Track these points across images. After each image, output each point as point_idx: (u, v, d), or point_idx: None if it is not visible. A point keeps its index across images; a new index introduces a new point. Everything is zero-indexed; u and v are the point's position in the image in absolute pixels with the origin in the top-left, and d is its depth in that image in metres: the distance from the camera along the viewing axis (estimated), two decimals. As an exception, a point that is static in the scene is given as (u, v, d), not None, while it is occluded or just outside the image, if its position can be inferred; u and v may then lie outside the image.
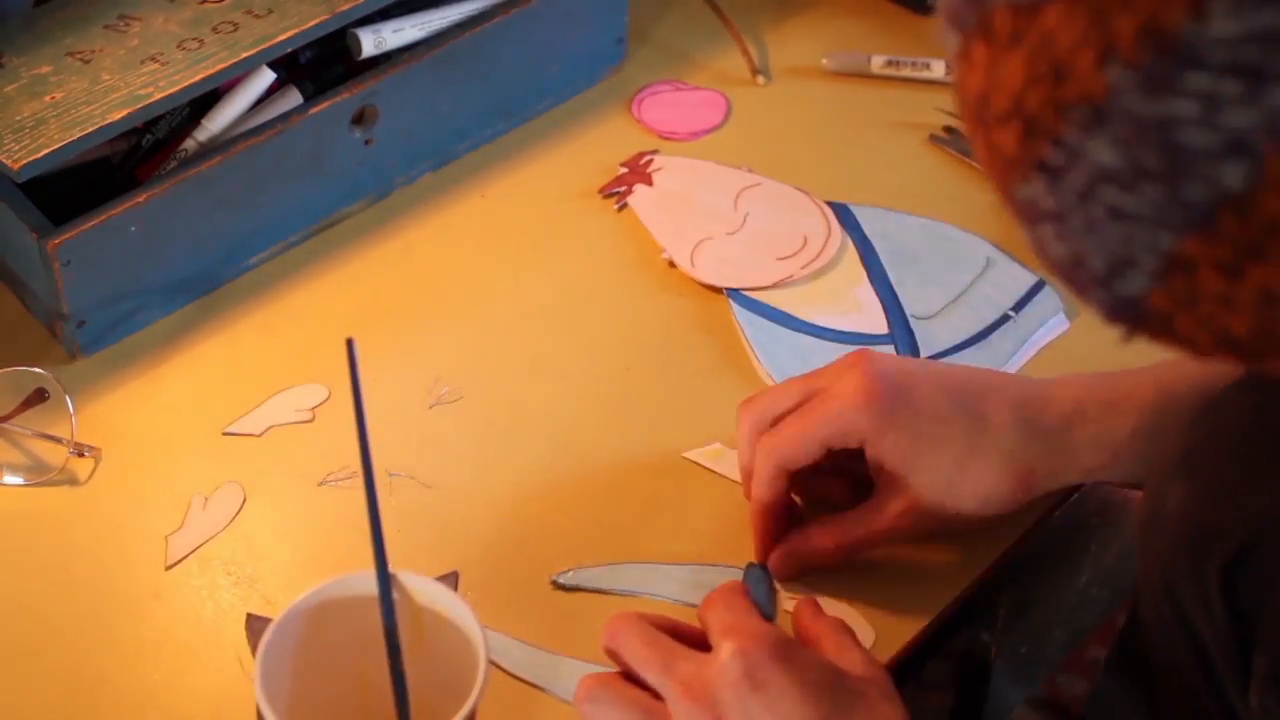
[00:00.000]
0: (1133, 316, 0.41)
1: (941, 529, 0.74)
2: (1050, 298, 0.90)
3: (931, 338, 0.88)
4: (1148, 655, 0.71)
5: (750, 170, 0.99)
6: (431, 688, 0.63)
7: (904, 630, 0.74)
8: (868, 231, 0.95)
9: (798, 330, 0.89)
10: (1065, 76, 0.36)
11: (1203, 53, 0.34)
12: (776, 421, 0.73)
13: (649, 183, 0.98)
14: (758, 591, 0.67)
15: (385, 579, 0.62)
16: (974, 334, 0.88)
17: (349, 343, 0.61)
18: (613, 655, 0.66)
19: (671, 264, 0.93)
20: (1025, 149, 0.38)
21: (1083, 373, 0.75)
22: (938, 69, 1.05)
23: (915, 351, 0.88)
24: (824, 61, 1.06)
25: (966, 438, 0.71)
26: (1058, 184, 0.38)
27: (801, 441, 0.72)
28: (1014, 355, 0.87)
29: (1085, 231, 0.39)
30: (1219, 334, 0.39)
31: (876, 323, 0.89)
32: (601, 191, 0.98)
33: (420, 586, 0.64)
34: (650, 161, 0.99)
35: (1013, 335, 0.88)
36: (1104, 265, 0.39)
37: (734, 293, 0.91)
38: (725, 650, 0.62)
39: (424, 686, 0.63)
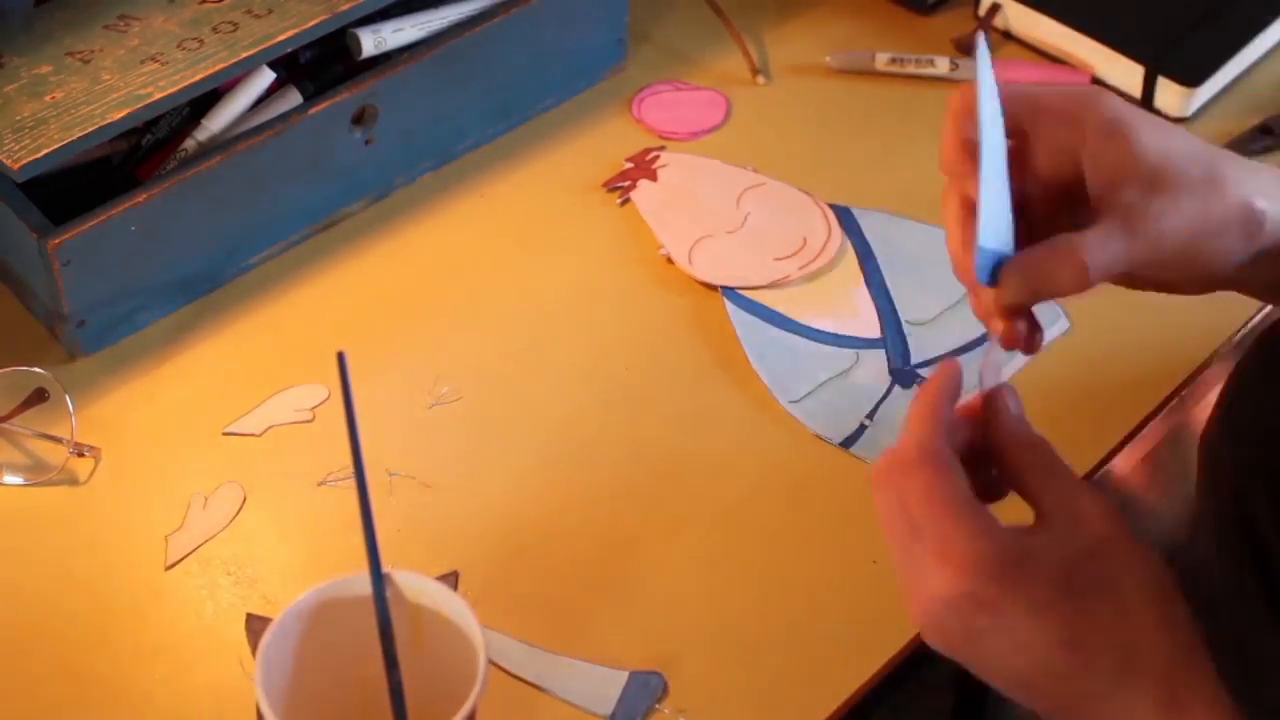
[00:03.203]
0: None
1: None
2: (1048, 308, 0.89)
3: (924, 344, 0.88)
4: (1197, 603, 0.67)
5: (755, 170, 0.99)
6: (431, 688, 0.63)
7: (904, 630, 0.74)
8: (868, 235, 0.95)
9: (789, 331, 0.89)
10: None
11: None
12: None
13: (653, 179, 0.98)
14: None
15: (380, 588, 0.62)
16: (967, 341, 0.88)
17: (340, 356, 0.61)
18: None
19: (669, 261, 0.93)
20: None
21: None
22: (942, 65, 1.05)
23: (906, 359, 0.88)
24: (828, 60, 1.06)
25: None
26: None
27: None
28: (1009, 363, 0.87)
29: None
30: None
31: (870, 327, 0.89)
32: (606, 185, 0.98)
33: (419, 586, 0.64)
34: (656, 158, 0.99)
35: None
36: None
37: (729, 291, 0.91)
38: (943, 583, 0.56)
39: (424, 687, 0.63)
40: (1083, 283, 0.61)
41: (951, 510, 0.58)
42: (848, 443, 0.83)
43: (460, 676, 0.62)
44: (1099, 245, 0.61)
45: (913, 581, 0.58)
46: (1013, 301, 0.62)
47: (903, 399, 0.85)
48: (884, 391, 0.86)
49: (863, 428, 0.84)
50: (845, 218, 0.96)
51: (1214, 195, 0.62)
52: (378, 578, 0.62)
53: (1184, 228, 0.62)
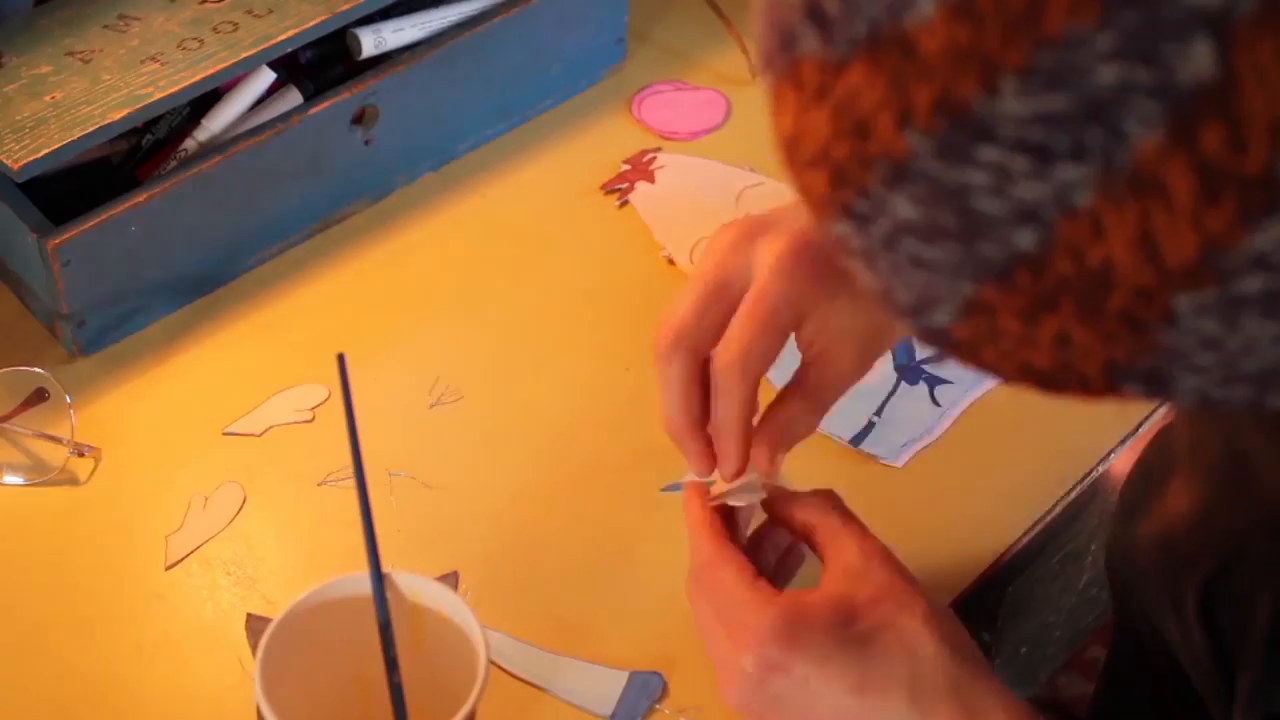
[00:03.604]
0: (940, 344, 0.42)
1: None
2: None
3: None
4: (1136, 676, 0.71)
5: (753, 170, 0.99)
6: (432, 688, 0.63)
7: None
8: None
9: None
10: (868, 134, 0.37)
11: (994, 128, 0.35)
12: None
13: (651, 180, 0.98)
14: None
15: (380, 588, 0.62)
16: None
17: (340, 358, 0.61)
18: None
19: (670, 261, 0.93)
20: (834, 194, 0.39)
21: None
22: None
23: (911, 355, 0.88)
24: (826, 60, 1.06)
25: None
26: (864, 230, 0.39)
27: (762, 338, 0.65)
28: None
29: (891, 273, 0.40)
30: (1021, 366, 0.40)
31: (871, 323, 0.90)
32: (604, 187, 0.98)
33: (419, 587, 0.64)
34: (653, 159, 1.00)
35: None
36: (910, 302, 0.40)
37: (731, 290, 0.91)
38: (740, 659, 0.62)
39: (424, 686, 0.63)
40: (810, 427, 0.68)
41: (737, 594, 0.63)
42: (856, 440, 0.83)
43: (461, 676, 0.62)
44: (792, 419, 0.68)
45: (723, 673, 0.64)
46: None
47: (909, 395, 0.85)
48: (890, 388, 0.86)
49: (871, 424, 0.84)
50: None
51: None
52: (377, 578, 0.62)
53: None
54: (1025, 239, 0.36)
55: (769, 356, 0.65)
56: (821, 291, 0.65)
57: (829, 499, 0.67)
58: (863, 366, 0.69)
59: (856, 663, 0.61)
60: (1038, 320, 0.38)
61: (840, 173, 0.39)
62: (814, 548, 0.66)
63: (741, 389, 0.65)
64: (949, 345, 0.42)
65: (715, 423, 0.67)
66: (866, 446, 0.83)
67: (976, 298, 0.39)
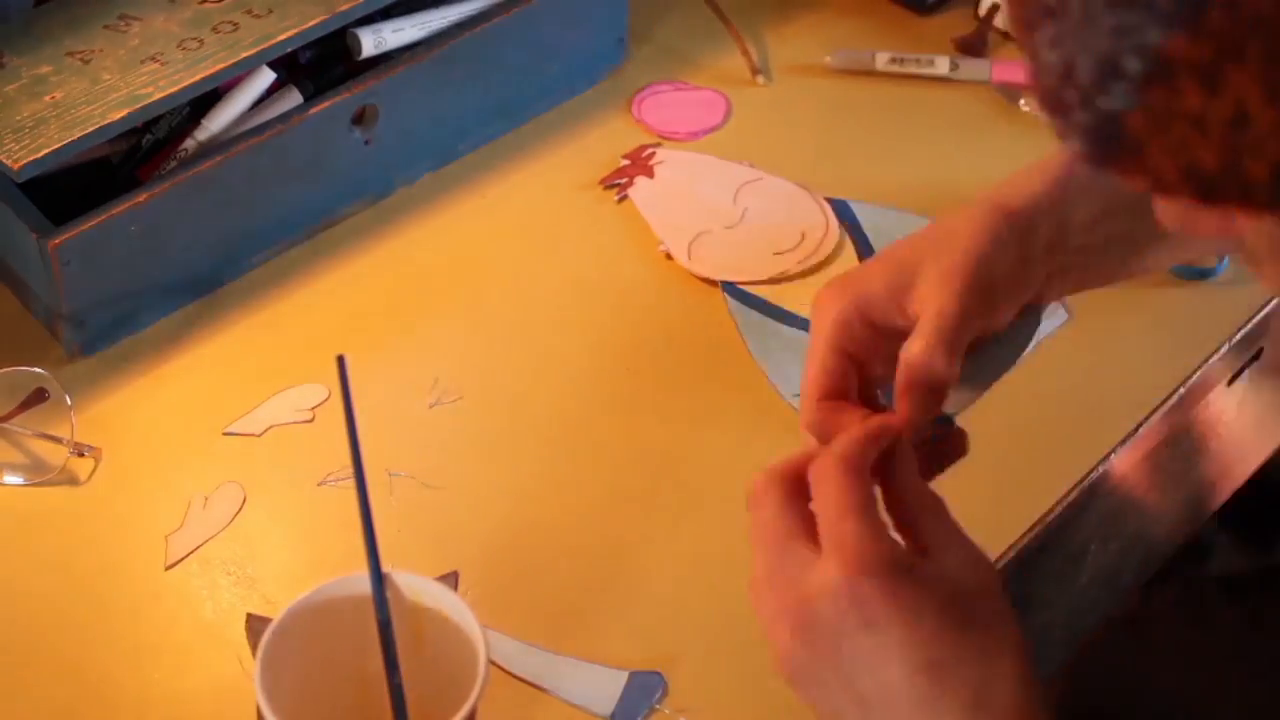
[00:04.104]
0: (1109, 138, 0.41)
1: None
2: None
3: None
4: None
5: (751, 165, 0.99)
6: (432, 688, 0.63)
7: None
8: (866, 228, 0.95)
9: (791, 325, 0.89)
10: None
11: None
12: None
13: (650, 175, 0.98)
14: None
15: (380, 589, 0.62)
16: None
17: (339, 360, 0.61)
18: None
19: (668, 256, 0.93)
20: None
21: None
22: (942, 65, 1.05)
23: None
24: (828, 59, 1.06)
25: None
26: None
27: None
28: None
29: (1080, 26, 0.40)
30: (1187, 165, 0.40)
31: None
32: (603, 182, 0.98)
33: (420, 587, 0.64)
34: (652, 154, 1.00)
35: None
36: (1091, 72, 0.40)
37: (729, 286, 0.91)
38: (827, 574, 0.56)
39: (425, 686, 0.63)
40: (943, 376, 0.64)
41: (860, 512, 0.57)
42: None
43: (461, 676, 0.62)
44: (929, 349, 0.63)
45: (781, 585, 0.58)
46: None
47: None
48: (888, 388, 0.86)
49: None
50: (843, 211, 0.96)
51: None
52: (377, 578, 0.62)
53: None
54: None
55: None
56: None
57: (939, 497, 0.62)
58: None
59: (941, 641, 0.56)
60: (1219, 84, 0.38)
61: None
62: (917, 527, 0.61)
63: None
64: (1118, 140, 0.41)
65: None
66: None
67: (1164, 51, 0.38)
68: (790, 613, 0.57)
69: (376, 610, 0.62)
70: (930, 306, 0.64)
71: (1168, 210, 0.44)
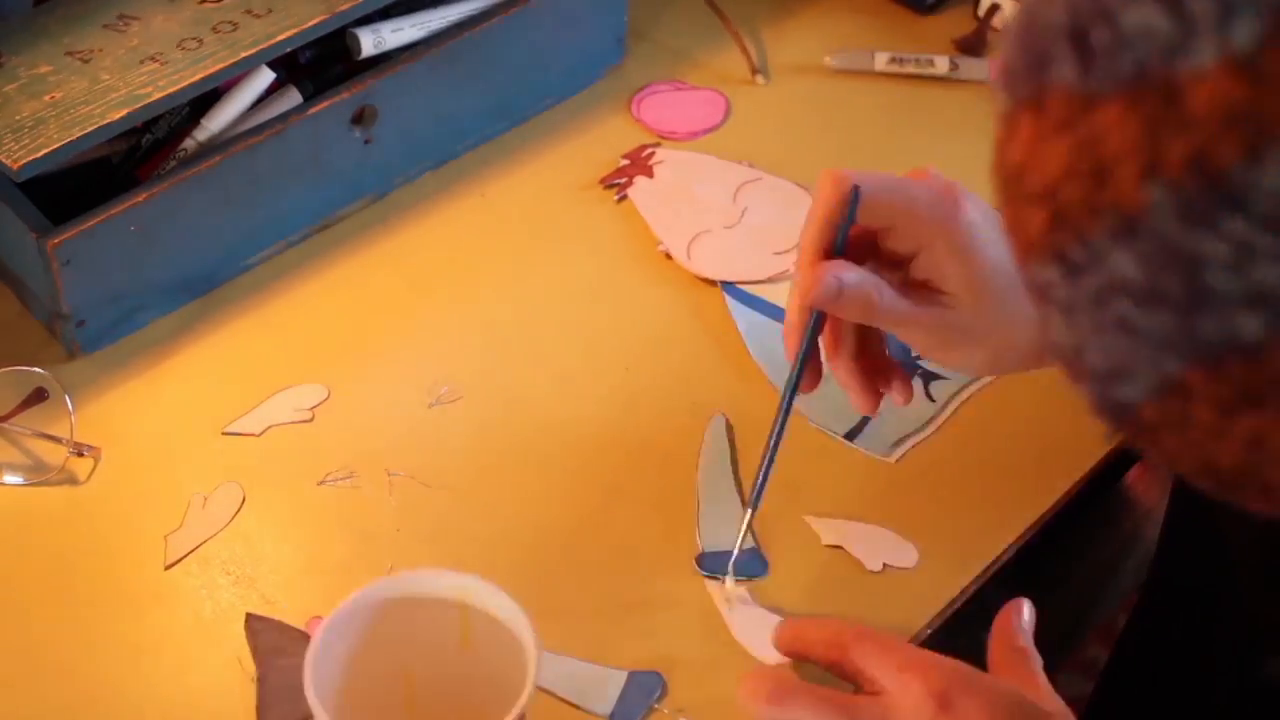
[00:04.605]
0: (1121, 419, 0.40)
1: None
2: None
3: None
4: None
5: (751, 165, 0.99)
6: (479, 688, 0.63)
7: (905, 631, 0.74)
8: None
9: None
10: (1105, 180, 0.35)
11: (1248, 199, 0.33)
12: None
13: (650, 175, 0.98)
14: None
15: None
16: None
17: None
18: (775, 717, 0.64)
19: (668, 256, 0.93)
20: (1050, 236, 0.37)
21: None
22: (941, 65, 1.05)
23: (907, 350, 0.87)
24: (827, 60, 1.06)
25: None
26: (1074, 280, 0.37)
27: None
28: None
29: (1091, 333, 0.38)
30: (1203, 462, 0.38)
31: (870, 320, 0.89)
32: (602, 181, 0.98)
33: (470, 586, 0.63)
34: (652, 154, 1.00)
35: None
36: (1102, 368, 0.38)
37: (729, 286, 0.91)
38: (916, 688, 0.60)
39: (472, 686, 0.63)
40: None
41: (910, 646, 0.64)
42: (850, 435, 0.83)
43: (509, 679, 0.61)
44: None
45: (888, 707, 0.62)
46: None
47: None
48: None
49: (866, 420, 0.84)
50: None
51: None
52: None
53: (1023, 346, 0.70)
54: (1250, 326, 0.34)
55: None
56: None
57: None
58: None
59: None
60: (1235, 416, 0.36)
61: (1063, 215, 0.36)
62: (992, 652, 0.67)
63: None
64: (1130, 422, 0.39)
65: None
66: (860, 443, 0.83)
67: (1178, 379, 0.36)
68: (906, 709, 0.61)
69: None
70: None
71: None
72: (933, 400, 0.85)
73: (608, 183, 0.98)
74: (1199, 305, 0.35)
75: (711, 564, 0.76)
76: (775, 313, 0.90)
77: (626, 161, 0.99)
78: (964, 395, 0.85)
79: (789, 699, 0.63)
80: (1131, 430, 0.40)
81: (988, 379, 0.86)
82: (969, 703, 0.61)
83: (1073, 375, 0.40)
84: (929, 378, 0.86)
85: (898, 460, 0.82)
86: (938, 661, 0.62)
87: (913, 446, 0.83)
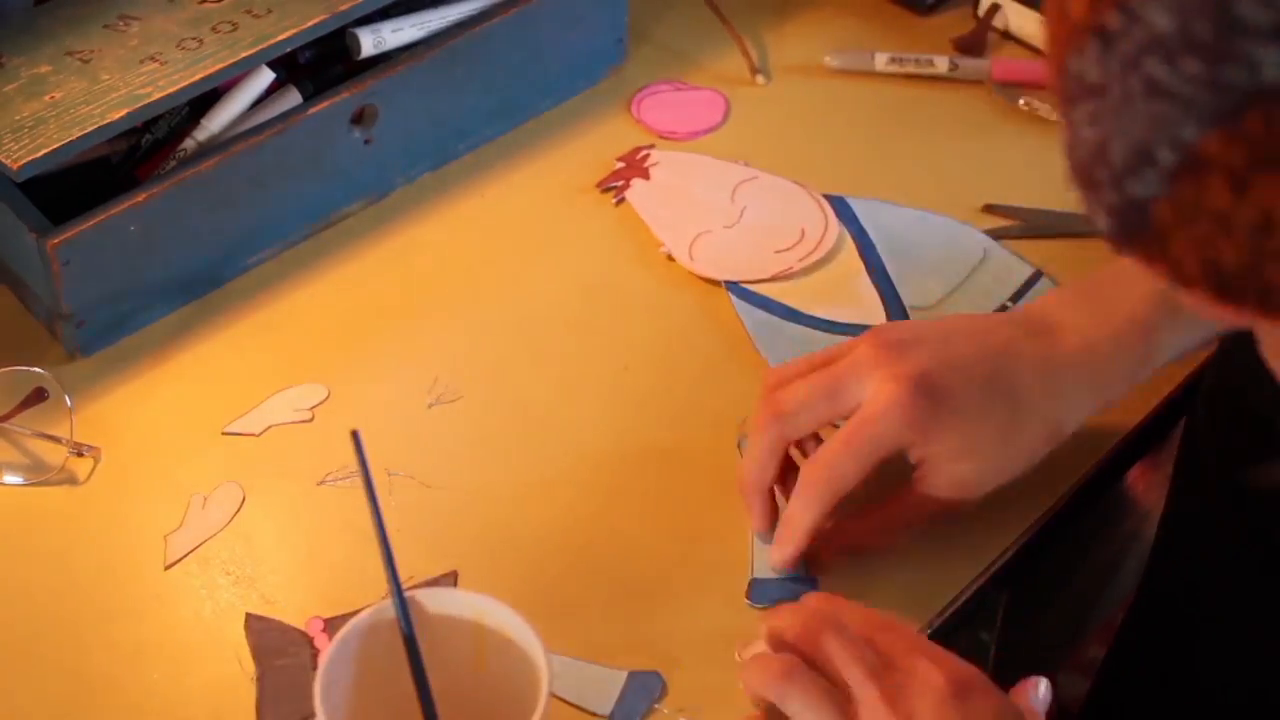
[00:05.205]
0: (1135, 224, 0.42)
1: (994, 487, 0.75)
2: (1047, 288, 0.90)
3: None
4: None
5: (746, 164, 0.99)
6: (491, 709, 0.63)
7: (903, 630, 0.74)
8: (865, 223, 0.95)
9: (798, 322, 0.89)
10: None
11: None
12: (801, 417, 0.74)
13: (646, 177, 0.98)
14: None
15: (415, 651, 0.61)
16: None
17: (354, 435, 0.60)
18: (796, 641, 0.65)
19: (670, 258, 0.93)
20: (1092, 12, 0.40)
21: (1075, 287, 0.77)
22: (941, 65, 1.05)
23: None
24: (827, 60, 1.06)
25: (1007, 419, 0.73)
26: (1109, 51, 0.40)
27: (854, 465, 0.72)
28: None
29: (1119, 109, 0.40)
30: (1207, 261, 0.40)
31: (875, 314, 0.89)
32: (599, 186, 0.98)
33: (484, 606, 0.63)
34: (647, 156, 1.00)
35: None
36: (1124, 156, 0.41)
37: (733, 285, 0.91)
38: (935, 673, 0.62)
39: (484, 707, 0.63)
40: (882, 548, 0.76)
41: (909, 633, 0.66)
42: None
43: (523, 699, 0.61)
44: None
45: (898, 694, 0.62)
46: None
47: None
48: None
49: None
50: (840, 207, 0.96)
51: (1017, 437, 0.73)
52: (407, 625, 0.61)
53: (993, 478, 0.74)
54: (1274, 62, 0.36)
55: (853, 481, 0.72)
56: (921, 435, 0.71)
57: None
58: (957, 493, 0.74)
59: None
60: (1247, 189, 0.38)
61: None
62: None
63: (820, 505, 0.72)
64: (1142, 227, 0.41)
65: (786, 515, 0.74)
66: None
67: (1197, 146, 0.38)
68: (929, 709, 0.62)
69: (410, 660, 0.61)
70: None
71: (1186, 296, 0.44)
72: None
73: (604, 186, 0.98)
74: (1227, 45, 0.37)
75: (760, 592, 0.76)
76: (781, 310, 0.90)
77: (622, 164, 0.99)
78: None
79: (793, 682, 0.64)
80: (1143, 237, 0.42)
81: None
82: (981, 698, 0.62)
83: (1092, 188, 0.42)
84: None
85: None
86: (960, 663, 0.63)
87: None
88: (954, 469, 0.73)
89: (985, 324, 0.76)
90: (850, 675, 0.63)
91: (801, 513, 0.73)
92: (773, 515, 0.76)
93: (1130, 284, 0.75)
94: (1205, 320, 0.63)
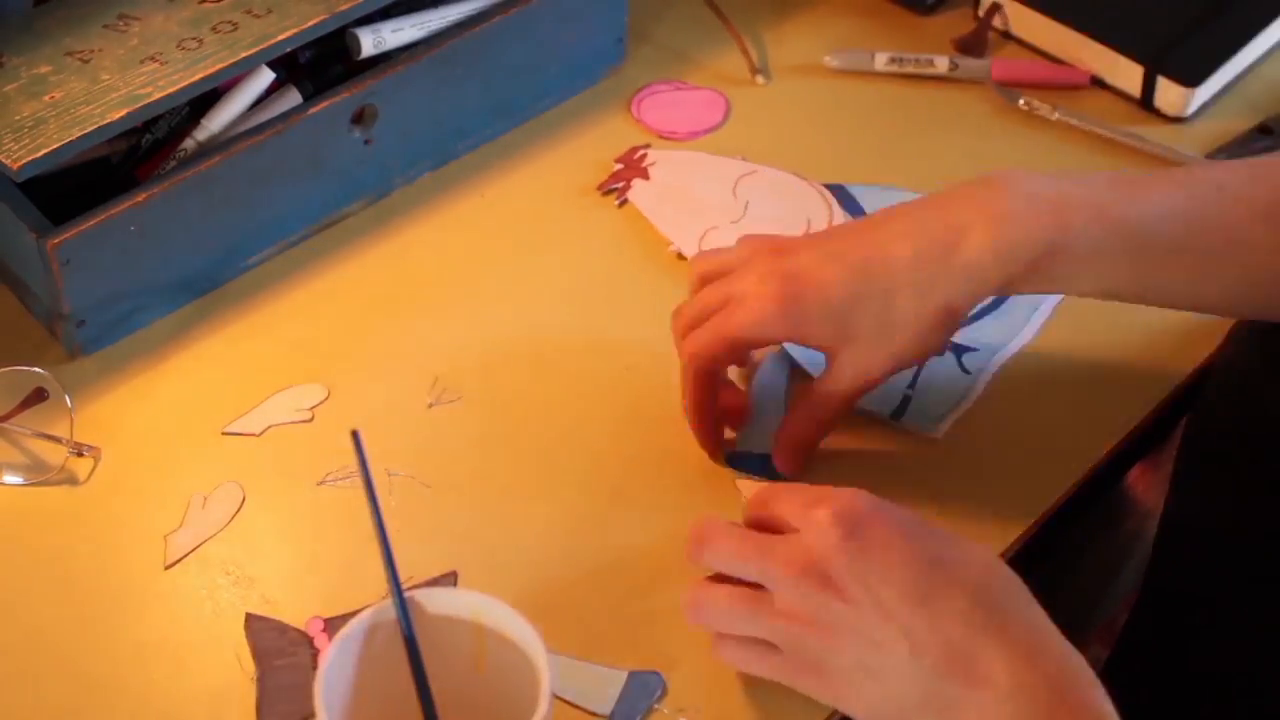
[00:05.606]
0: None
1: (896, 370, 0.77)
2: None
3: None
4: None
5: (744, 159, 0.99)
6: (491, 710, 0.63)
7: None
8: (867, 209, 0.95)
9: None
10: None
11: None
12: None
13: (645, 177, 0.98)
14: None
15: (418, 660, 0.61)
16: (986, 306, 0.88)
17: (354, 435, 0.60)
18: (702, 561, 0.69)
19: (680, 256, 0.93)
20: None
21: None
22: (941, 65, 1.05)
23: None
24: (827, 59, 1.06)
25: (881, 299, 0.74)
26: None
27: (720, 345, 0.76)
28: (1028, 322, 0.88)
29: None
30: None
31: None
32: (600, 188, 0.98)
33: (484, 606, 0.63)
34: (644, 155, 0.99)
35: (1024, 304, 0.89)
36: None
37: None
38: (821, 517, 0.64)
39: (484, 708, 0.63)
40: (818, 439, 0.80)
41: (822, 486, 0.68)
42: (896, 414, 0.84)
43: (523, 699, 0.61)
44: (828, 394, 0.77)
45: (789, 545, 0.65)
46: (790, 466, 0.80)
47: (938, 366, 0.86)
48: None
49: (907, 399, 0.84)
50: (842, 195, 0.96)
51: (896, 312, 0.74)
52: (410, 636, 0.61)
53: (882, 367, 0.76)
54: None
55: (724, 362, 0.79)
56: (793, 328, 0.75)
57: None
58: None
59: (934, 543, 0.64)
60: None
61: None
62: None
63: (695, 384, 0.78)
64: None
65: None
66: (908, 420, 0.83)
67: None
68: (805, 542, 0.64)
69: (414, 670, 0.61)
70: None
71: None
72: (968, 372, 0.86)
73: (605, 188, 0.98)
74: None
75: (740, 461, 0.81)
76: None
77: (620, 166, 0.99)
78: (997, 363, 0.87)
79: (712, 537, 0.68)
80: None
81: (1011, 347, 0.87)
82: (877, 529, 0.64)
83: None
84: (960, 351, 0.86)
85: (942, 435, 0.83)
86: (843, 492, 0.65)
87: (957, 419, 0.84)
88: (840, 350, 0.75)
89: (873, 219, 0.78)
90: (747, 569, 0.66)
91: (685, 387, 0.79)
92: (716, 439, 0.81)
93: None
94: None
